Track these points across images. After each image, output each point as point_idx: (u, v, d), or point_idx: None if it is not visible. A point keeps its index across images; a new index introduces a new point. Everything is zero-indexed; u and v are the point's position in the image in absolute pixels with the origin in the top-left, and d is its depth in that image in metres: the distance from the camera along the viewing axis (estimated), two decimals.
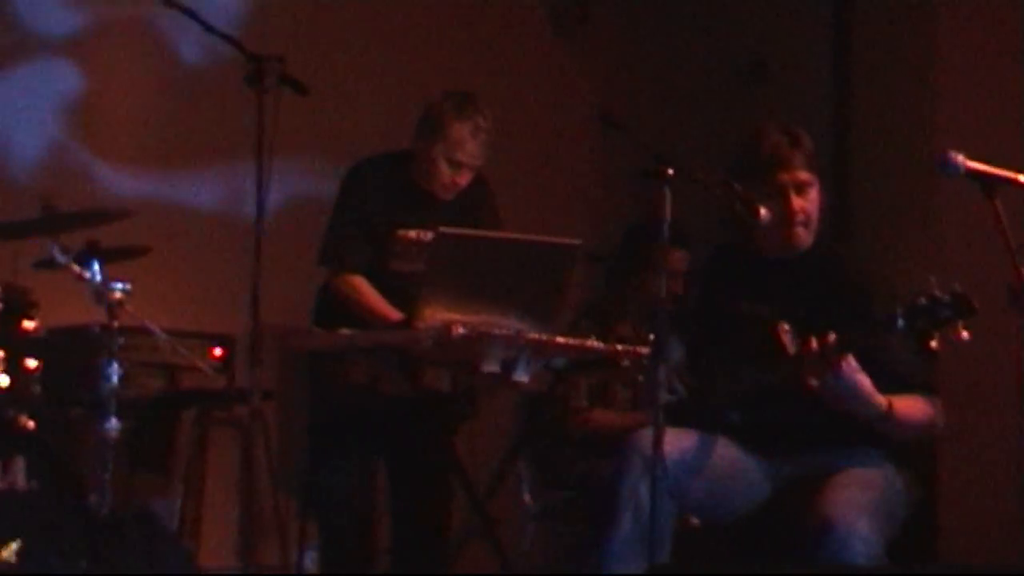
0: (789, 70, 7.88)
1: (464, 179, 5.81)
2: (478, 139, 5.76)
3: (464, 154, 5.76)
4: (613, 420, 5.99)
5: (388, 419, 5.73)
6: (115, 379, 5.18)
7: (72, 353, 5.62)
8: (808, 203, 4.63)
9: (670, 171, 4.39)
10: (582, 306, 6.23)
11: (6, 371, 4.96)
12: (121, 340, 5.24)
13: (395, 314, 5.58)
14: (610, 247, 6.47)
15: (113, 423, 5.15)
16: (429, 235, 5.67)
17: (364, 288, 5.75)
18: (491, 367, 5.34)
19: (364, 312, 5.70)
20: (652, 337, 4.41)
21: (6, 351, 4.97)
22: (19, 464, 4.74)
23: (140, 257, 5.60)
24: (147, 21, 6.76)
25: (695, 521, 4.72)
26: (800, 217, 4.62)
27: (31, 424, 4.84)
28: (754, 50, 7.99)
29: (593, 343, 5.41)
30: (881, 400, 4.41)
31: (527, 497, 6.27)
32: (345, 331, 5.48)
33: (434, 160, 5.77)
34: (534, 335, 5.29)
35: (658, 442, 4.25)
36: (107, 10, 6.82)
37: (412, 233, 5.81)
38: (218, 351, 6.39)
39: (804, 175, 4.63)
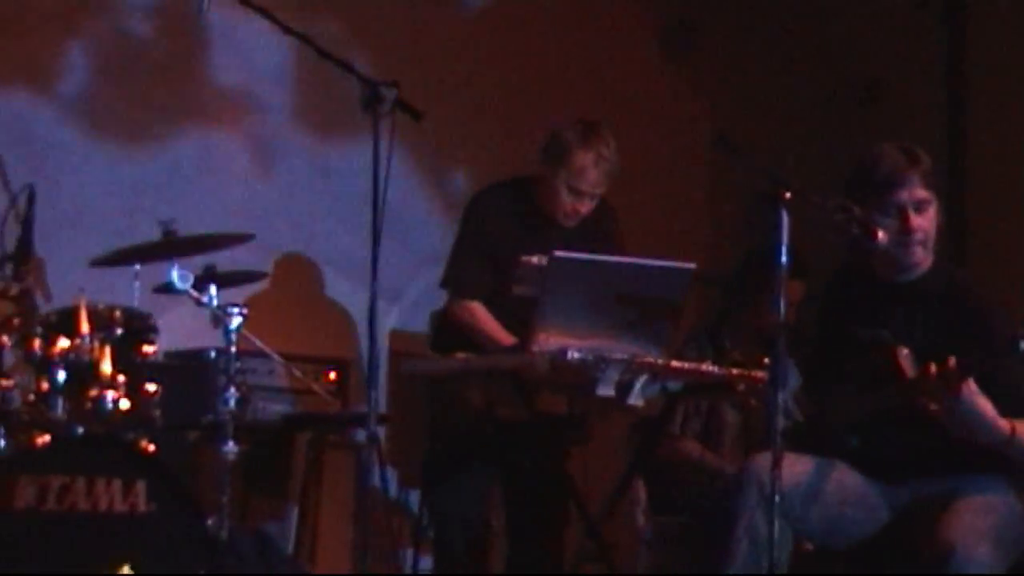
0: (903, 90, 7.82)
1: (585, 207, 5.83)
2: (600, 168, 5.78)
3: (586, 183, 5.78)
4: (695, 452, 6.01)
5: (504, 443, 5.75)
6: (233, 403, 5.24)
7: (190, 377, 5.67)
8: (926, 222, 4.59)
9: (787, 194, 4.36)
10: (692, 329, 6.22)
11: (127, 395, 5.01)
12: (238, 364, 5.29)
13: (509, 339, 5.61)
14: (721, 270, 6.45)
15: (231, 446, 5.20)
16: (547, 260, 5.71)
17: (480, 313, 5.79)
18: (606, 391, 5.33)
19: (479, 337, 5.74)
20: (769, 362, 4.39)
21: (127, 375, 5.02)
22: (140, 487, 4.78)
23: (257, 282, 5.67)
24: (264, 50, 6.83)
25: (809, 546, 4.68)
26: (919, 236, 4.57)
27: (151, 447, 4.89)
28: (867, 71, 7.94)
29: (708, 367, 5.40)
30: (1004, 425, 4.35)
31: (641, 521, 6.25)
32: (461, 355, 5.51)
33: (556, 188, 5.80)
34: (649, 359, 5.29)
35: (776, 467, 4.21)
36: (225, 39, 6.90)
37: (534, 258, 5.84)
38: (332, 375, 6.42)
39: (922, 193, 4.58)
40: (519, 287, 5.87)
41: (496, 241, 5.87)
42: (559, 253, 5.41)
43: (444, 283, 5.94)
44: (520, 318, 5.67)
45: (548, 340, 5.30)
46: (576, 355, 5.20)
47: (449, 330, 5.89)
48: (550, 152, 5.83)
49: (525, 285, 5.86)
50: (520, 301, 5.80)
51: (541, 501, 5.92)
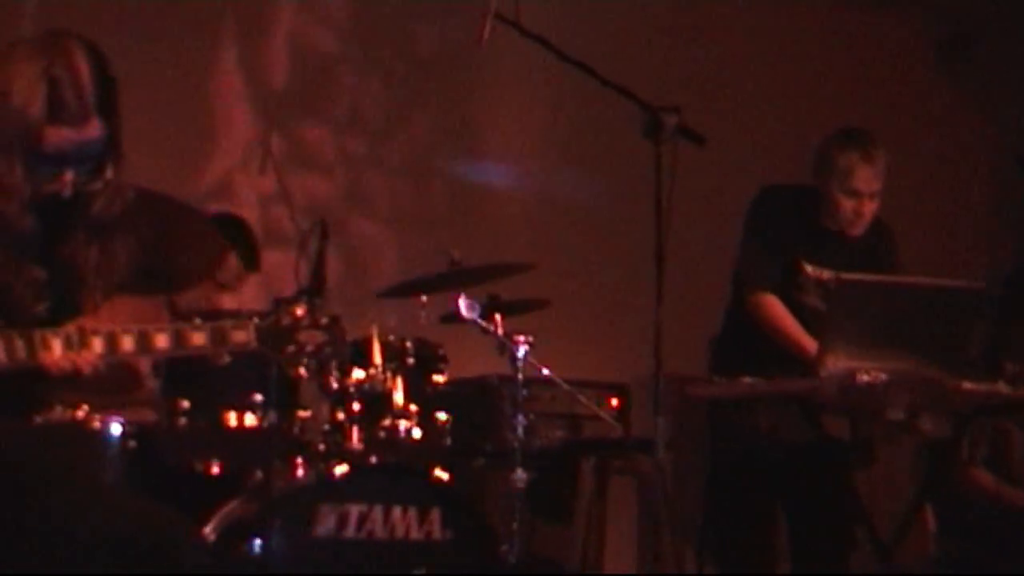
0: None
1: (867, 208, 5.73)
2: (869, 164, 5.70)
3: (858, 181, 5.70)
4: (989, 486, 5.86)
5: (788, 465, 5.69)
6: (521, 430, 5.30)
7: (477, 405, 5.75)
8: None
9: None
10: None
11: (419, 424, 5.10)
12: (525, 391, 5.34)
13: (812, 345, 5.49)
14: (996, 285, 6.30)
15: (520, 473, 5.27)
16: (825, 273, 5.65)
17: (780, 310, 5.73)
18: (896, 414, 5.25)
19: (780, 335, 5.67)
20: None
21: (418, 405, 5.11)
22: (435, 514, 4.86)
23: (540, 309, 5.72)
24: (542, 78, 6.90)
25: None
26: None
27: (445, 476, 4.96)
28: None
29: (1002, 388, 5.27)
30: None
31: (931, 546, 6.13)
32: (746, 379, 5.47)
33: (833, 196, 5.73)
34: (941, 381, 5.18)
35: None
36: (502, 68, 6.99)
37: (810, 268, 5.78)
38: (614, 400, 6.43)
39: None
40: (802, 295, 5.81)
41: (783, 238, 5.82)
42: (846, 276, 5.35)
43: (736, 277, 5.88)
44: (804, 326, 5.61)
45: (836, 363, 5.22)
46: (865, 378, 5.12)
47: (732, 353, 5.86)
48: (819, 163, 5.80)
49: (808, 294, 5.80)
50: (804, 308, 5.75)
51: (827, 525, 5.84)
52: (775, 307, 5.75)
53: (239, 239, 5.82)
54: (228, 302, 5.09)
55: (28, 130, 3.56)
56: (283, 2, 6.90)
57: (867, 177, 5.71)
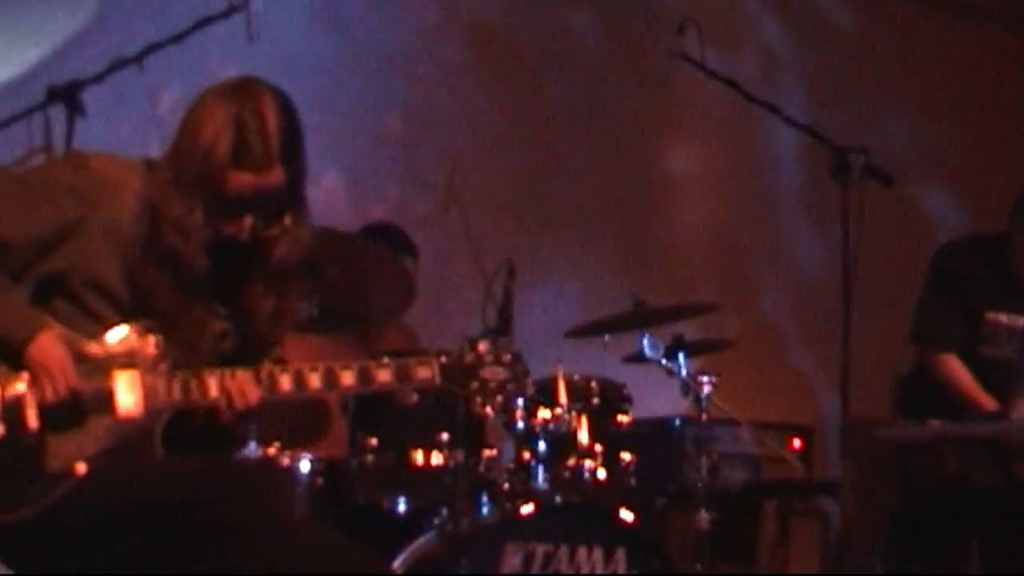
0: None
1: None
2: None
3: None
4: None
5: (979, 510, 5.60)
6: (704, 471, 5.27)
7: (659, 445, 5.74)
8: None
9: None
10: None
11: (604, 464, 5.10)
12: (708, 432, 5.32)
13: (990, 402, 5.45)
14: None
15: (703, 514, 5.24)
16: (1021, 321, 5.54)
17: (958, 369, 5.67)
18: None
19: (957, 395, 5.60)
20: None
21: (603, 444, 5.11)
22: (620, 554, 4.85)
23: (725, 350, 5.70)
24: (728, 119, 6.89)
25: None
26: None
27: (631, 516, 4.95)
28: None
29: None
30: None
31: None
32: (935, 422, 5.39)
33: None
34: None
35: None
36: (688, 108, 7.00)
37: (1003, 317, 5.69)
38: (797, 442, 6.38)
39: None
40: (987, 347, 5.72)
41: (966, 294, 5.74)
42: None
43: (914, 337, 5.83)
44: (988, 379, 5.53)
45: None
46: None
47: (920, 395, 5.79)
48: (1016, 211, 5.68)
49: (993, 345, 5.70)
50: (987, 361, 5.66)
51: (1020, 569, 5.73)
52: (954, 367, 5.71)
53: (400, 245, 5.91)
54: None
55: (212, 173, 3.61)
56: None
57: None
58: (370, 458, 5.01)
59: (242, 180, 3.62)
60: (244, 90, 3.69)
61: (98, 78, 5.05)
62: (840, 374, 4.99)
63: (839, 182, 5.04)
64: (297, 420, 5.23)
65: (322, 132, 3.81)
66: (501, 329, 4.92)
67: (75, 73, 5.20)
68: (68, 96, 5.03)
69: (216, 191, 3.63)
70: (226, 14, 5.14)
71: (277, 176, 3.65)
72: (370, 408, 5.06)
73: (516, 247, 6.27)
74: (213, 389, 3.67)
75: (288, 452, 5.10)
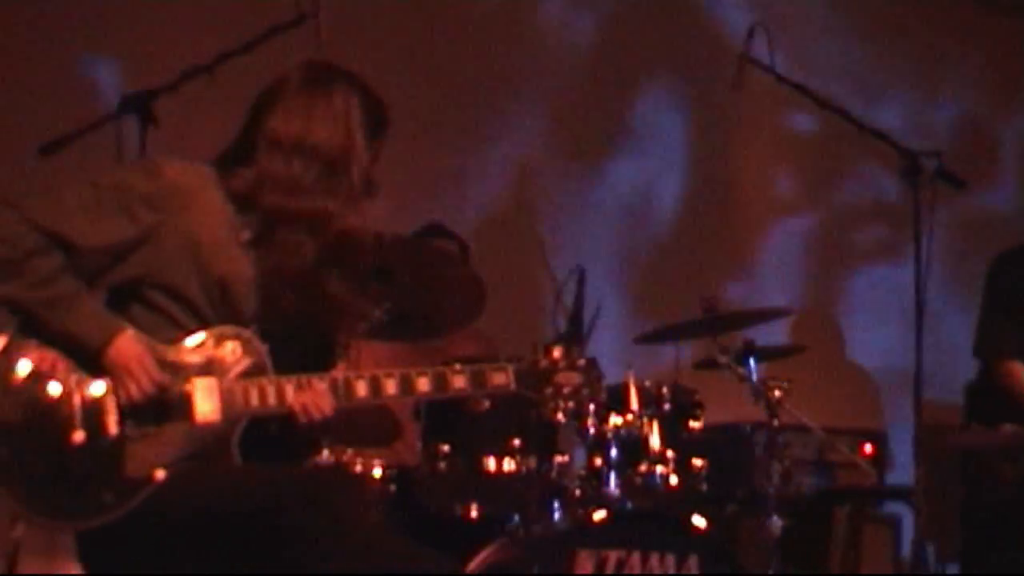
0: None
1: None
2: None
3: None
4: None
5: None
6: (776, 477, 5.25)
7: (730, 451, 5.71)
8: None
9: None
10: None
11: (675, 470, 5.08)
12: (780, 438, 5.30)
13: None
14: None
15: (775, 520, 5.22)
16: None
17: (1022, 375, 5.64)
18: None
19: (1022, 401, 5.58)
20: None
21: (675, 450, 5.09)
22: (692, 561, 4.84)
23: (796, 355, 5.68)
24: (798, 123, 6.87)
25: None
26: None
27: (703, 523, 4.93)
28: None
29: None
30: None
31: None
32: (1008, 427, 5.36)
33: None
34: None
35: None
36: (758, 113, 6.99)
37: None
38: (868, 447, 6.35)
39: None
40: None
41: (1021, 302, 5.71)
42: None
43: (977, 351, 5.81)
44: None
45: None
46: None
47: (990, 401, 5.76)
48: None
49: None
50: None
51: None
52: (1013, 373, 5.70)
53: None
54: None
55: (353, 156, 3.70)
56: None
57: None
58: (442, 465, 5.01)
59: (368, 158, 3.70)
60: (333, 74, 3.75)
61: (171, 87, 5.08)
62: (913, 379, 4.98)
63: (911, 186, 5.03)
64: (368, 426, 5.24)
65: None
66: (573, 335, 4.91)
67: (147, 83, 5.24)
68: (141, 105, 5.06)
69: (354, 176, 3.69)
70: (296, 22, 5.17)
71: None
72: (442, 415, 5.06)
73: (584, 253, 6.28)
74: (290, 396, 3.69)
75: (359, 458, 5.11)
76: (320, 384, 3.73)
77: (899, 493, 6.05)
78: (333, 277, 3.80)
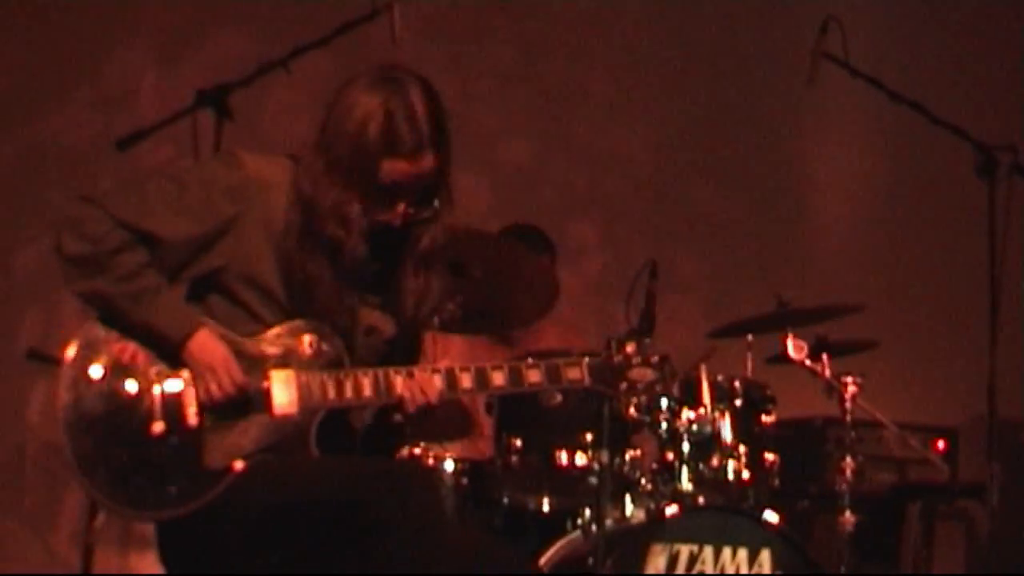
0: None
1: None
2: None
3: None
4: None
5: None
6: (849, 472, 5.23)
7: (803, 446, 5.70)
8: None
9: None
10: None
11: (747, 465, 5.07)
12: (853, 433, 5.28)
13: None
14: None
15: (848, 516, 5.20)
16: None
17: None
18: None
19: None
20: None
21: (747, 445, 5.09)
22: (765, 556, 4.83)
23: (869, 351, 5.65)
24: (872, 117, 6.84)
25: None
26: None
27: (775, 517, 4.92)
28: None
29: None
30: None
31: None
32: None
33: None
34: None
35: None
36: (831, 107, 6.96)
37: None
38: (941, 443, 6.31)
39: None
40: None
41: None
42: None
43: None
44: None
45: None
46: None
47: None
48: None
49: None
50: None
51: None
52: None
53: (540, 245, 5.93)
54: None
55: (365, 162, 3.66)
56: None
57: None
58: (515, 459, 5.03)
59: (396, 167, 3.67)
60: (390, 79, 3.73)
61: (246, 81, 5.11)
62: (987, 375, 4.95)
63: (986, 181, 5.00)
64: (442, 419, 5.26)
65: (462, 133, 3.82)
66: (644, 330, 4.91)
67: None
68: (216, 99, 5.09)
69: (370, 179, 3.67)
70: (369, 17, 5.19)
71: (428, 161, 3.70)
72: (515, 409, 5.07)
73: (658, 247, 6.28)
74: (367, 389, 3.71)
75: (433, 452, 5.14)
76: (425, 374, 3.75)
77: (971, 490, 6.01)
78: (407, 271, 3.82)
